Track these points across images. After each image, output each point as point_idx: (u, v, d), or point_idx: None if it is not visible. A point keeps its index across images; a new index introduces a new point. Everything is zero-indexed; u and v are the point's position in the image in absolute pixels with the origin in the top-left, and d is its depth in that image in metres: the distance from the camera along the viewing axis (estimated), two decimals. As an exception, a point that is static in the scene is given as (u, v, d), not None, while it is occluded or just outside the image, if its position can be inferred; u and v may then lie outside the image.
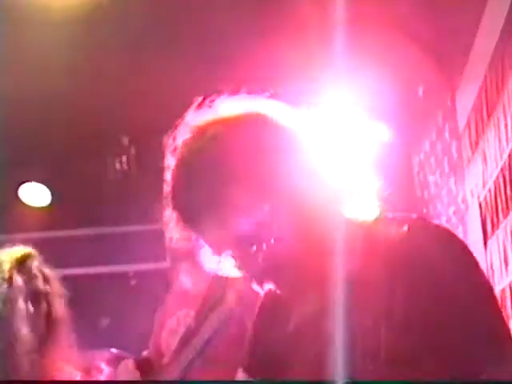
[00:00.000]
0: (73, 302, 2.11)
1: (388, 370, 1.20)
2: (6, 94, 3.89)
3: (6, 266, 1.98)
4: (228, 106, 1.36)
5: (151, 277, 5.26)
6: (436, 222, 2.10)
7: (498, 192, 3.06)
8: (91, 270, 5.76)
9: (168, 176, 1.35)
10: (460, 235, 3.40)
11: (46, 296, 2.01)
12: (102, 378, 3.50)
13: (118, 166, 5.11)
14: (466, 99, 3.54)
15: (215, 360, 1.97)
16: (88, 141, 4.78)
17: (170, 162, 1.36)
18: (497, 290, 2.97)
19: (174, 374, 1.61)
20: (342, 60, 1.56)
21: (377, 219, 1.37)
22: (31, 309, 1.95)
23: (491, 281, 2.97)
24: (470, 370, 1.19)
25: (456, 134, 3.79)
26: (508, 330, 1.24)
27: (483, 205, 3.32)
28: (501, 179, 2.99)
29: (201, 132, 1.34)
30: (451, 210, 3.99)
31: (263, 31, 3.54)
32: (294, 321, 1.40)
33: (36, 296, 1.98)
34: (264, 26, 3.54)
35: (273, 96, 1.38)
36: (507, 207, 2.93)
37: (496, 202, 3.09)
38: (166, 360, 2.84)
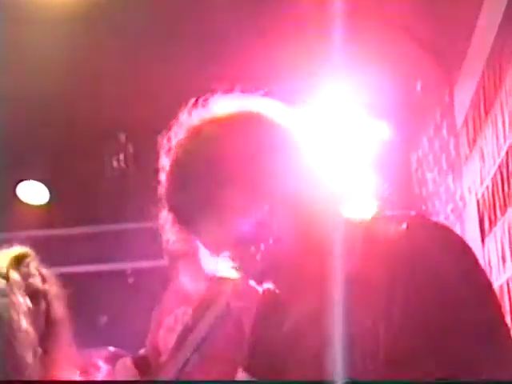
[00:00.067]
0: (70, 300, 2.11)
1: (388, 369, 1.19)
2: (4, 93, 3.88)
3: (4, 264, 1.98)
4: (223, 106, 1.36)
5: (149, 275, 5.25)
6: (434, 219, 2.10)
7: (495, 189, 3.06)
8: (89, 268, 5.77)
9: (163, 177, 1.35)
10: (458, 232, 3.39)
11: (44, 296, 2.01)
12: (100, 376, 3.50)
13: (115, 164, 5.11)
14: (464, 96, 3.54)
15: (213, 358, 1.97)
16: (86, 139, 4.78)
17: (165, 162, 1.35)
18: (495, 287, 2.97)
19: (171, 372, 1.61)
20: (340, 56, 1.56)
21: (375, 217, 1.36)
22: (30, 305, 1.95)
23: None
24: (469, 370, 1.17)
25: (454, 131, 3.79)
26: (508, 328, 1.24)
27: (481, 202, 3.31)
28: (498, 176, 2.99)
29: (195, 132, 1.34)
30: (449, 207, 3.99)
31: (261, 30, 3.54)
32: (293, 320, 1.39)
33: (35, 294, 1.98)
34: (262, 24, 3.54)
35: (268, 94, 1.37)
36: (505, 204, 2.93)
37: (494, 199, 3.09)
38: (163, 358, 2.84)
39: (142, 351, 3.14)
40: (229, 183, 1.27)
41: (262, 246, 1.27)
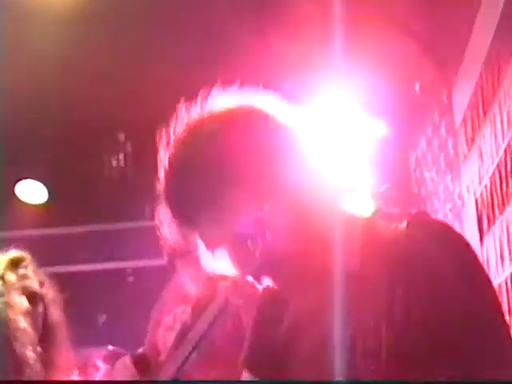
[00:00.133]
0: (70, 299, 2.11)
1: (389, 369, 1.19)
2: (2, 92, 3.88)
3: (0, 266, 1.98)
4: (222, 102, 1.36)
5: (148, 274, 5.25)
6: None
7: (493, 188, 3.06)
8: (89, 267, 5.76)
9: (162, 173, 1.35)
10: (456, 231, 3.38)
11: (42, 298, 2.01)
12: (99, 375, 3.50)
13: (114, 163, 5.11)
14: (462, 96, 3.54)
15: (212, 356, 1.97)
16: (84, 138, 4.78)
17: (164, 158, 1.36)
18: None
19: (170, 371, 1.61)
20: (340, 57, 1.56)
21: (375, 215, 1.36)
22: (28, 306, 1.95)
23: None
24: (470, 369, 1.17)
25: (452, 130, 3.79)
26: (508, 327, 1.24)
27: (479, 201, 3.32)
28: (497, 175, 3.00)
29: (194, 128, 1.34)
30: (447, 206, 3.99)
31: (262, 30, 3.54)
32: (292, 318, 1.39)
33: (32, 296, 1.98)
34: (263, 25, 3.54)
35: (268, 92, 1.37)
36: (503, 203, 2.93)
37: (492, 198, 3.09)
38: (162, 357, 2.84)
39: (140, 350, 3.13)
40: (228, 179, 1.27)
41: (260, 241, 1.27)
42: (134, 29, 3.73)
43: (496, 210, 3.04)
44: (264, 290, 1.41)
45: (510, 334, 1.23)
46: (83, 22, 3.62)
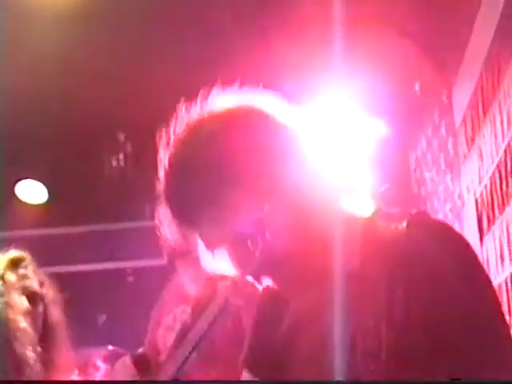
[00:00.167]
0: (70, 299, 2.11)
1: (389, 369, 1.19)
2: (2, 92, 3.88)
3: (0, 266, 1.98)
4: (222, 102, 1.36)
5: (148, 274, 5.25)
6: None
7: (493, 188, 3.06)
8: (89, 267, 5.76)
9: (162, 173, 1.35)
10: (456, 231, 3.38)
11: (42, 299, 2.01)
12: (99, 375, 3.50)
13: (114, 163, 5.11)
14: (462, 96, 3.54)
15: (212, 356, 1.97)
16: (84, 138, 4.78)
17: (164, 158, 1.36)
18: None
19: (170, 371, 1.61)
20: (340, 56, 1.56)
21: (375, 215, 1.36)
22: (28, 306, 1.96)
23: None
24: (469, 370, 1.17)
25: (452, 130, 3.79)
26: (508, 327, 1.24)
27: (479, 201, 3.32)
28: (497, 175, 3.00)
29: (194, 128, 1.34)
30: (447, 206, 3.99)
31: (262, 30, 3.54)
32: (292, 318, 1.39)
33: (32, 296, 1.98)
34: (263, 25, 3.54)
35: (268, 92, 1.37)
36: (503, 203, 2.93)
37: (492, 198, 3.09)
38: (162, 357, 2.84)
39: (140, 350, 3.14)
40: (228, 179, 1.27)
41: (260, 241, 1.27)
42: (134, 29, 3.73)
43: (496, 210, 3.04)
44: (264, 290, 1.41)
45: (510, 334, 1.23)
46: (83, 22, 3.62)
